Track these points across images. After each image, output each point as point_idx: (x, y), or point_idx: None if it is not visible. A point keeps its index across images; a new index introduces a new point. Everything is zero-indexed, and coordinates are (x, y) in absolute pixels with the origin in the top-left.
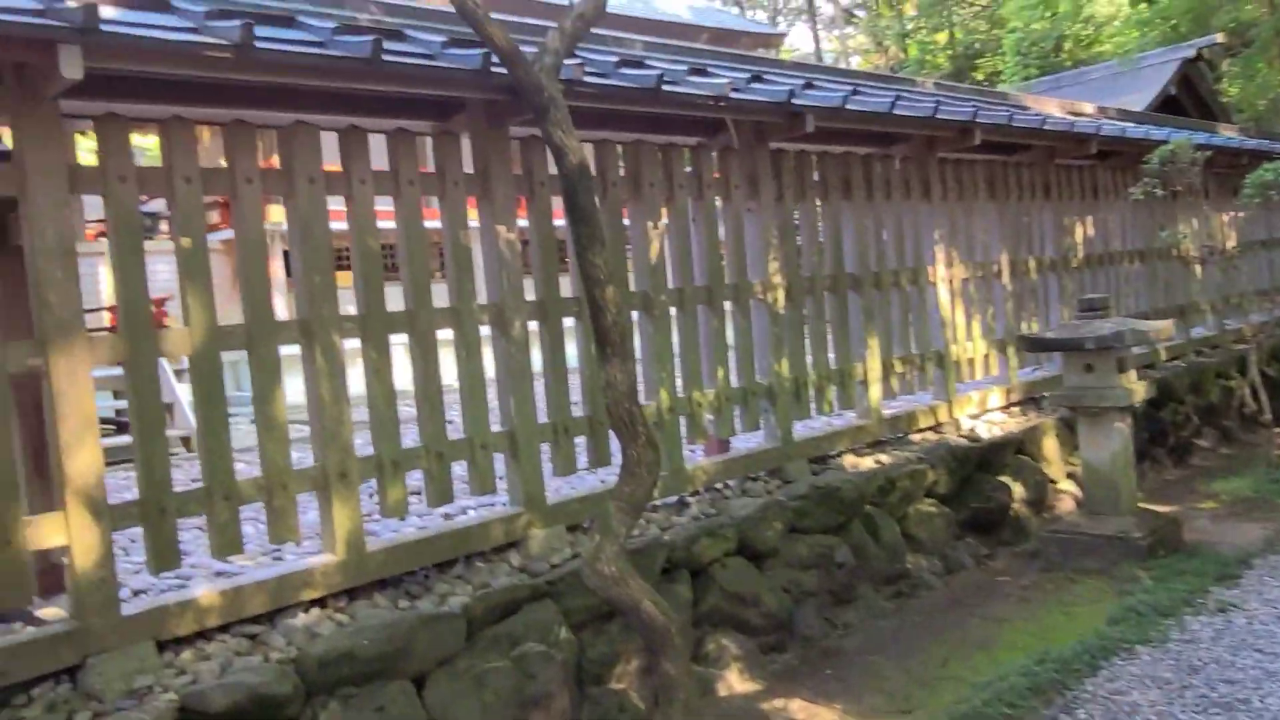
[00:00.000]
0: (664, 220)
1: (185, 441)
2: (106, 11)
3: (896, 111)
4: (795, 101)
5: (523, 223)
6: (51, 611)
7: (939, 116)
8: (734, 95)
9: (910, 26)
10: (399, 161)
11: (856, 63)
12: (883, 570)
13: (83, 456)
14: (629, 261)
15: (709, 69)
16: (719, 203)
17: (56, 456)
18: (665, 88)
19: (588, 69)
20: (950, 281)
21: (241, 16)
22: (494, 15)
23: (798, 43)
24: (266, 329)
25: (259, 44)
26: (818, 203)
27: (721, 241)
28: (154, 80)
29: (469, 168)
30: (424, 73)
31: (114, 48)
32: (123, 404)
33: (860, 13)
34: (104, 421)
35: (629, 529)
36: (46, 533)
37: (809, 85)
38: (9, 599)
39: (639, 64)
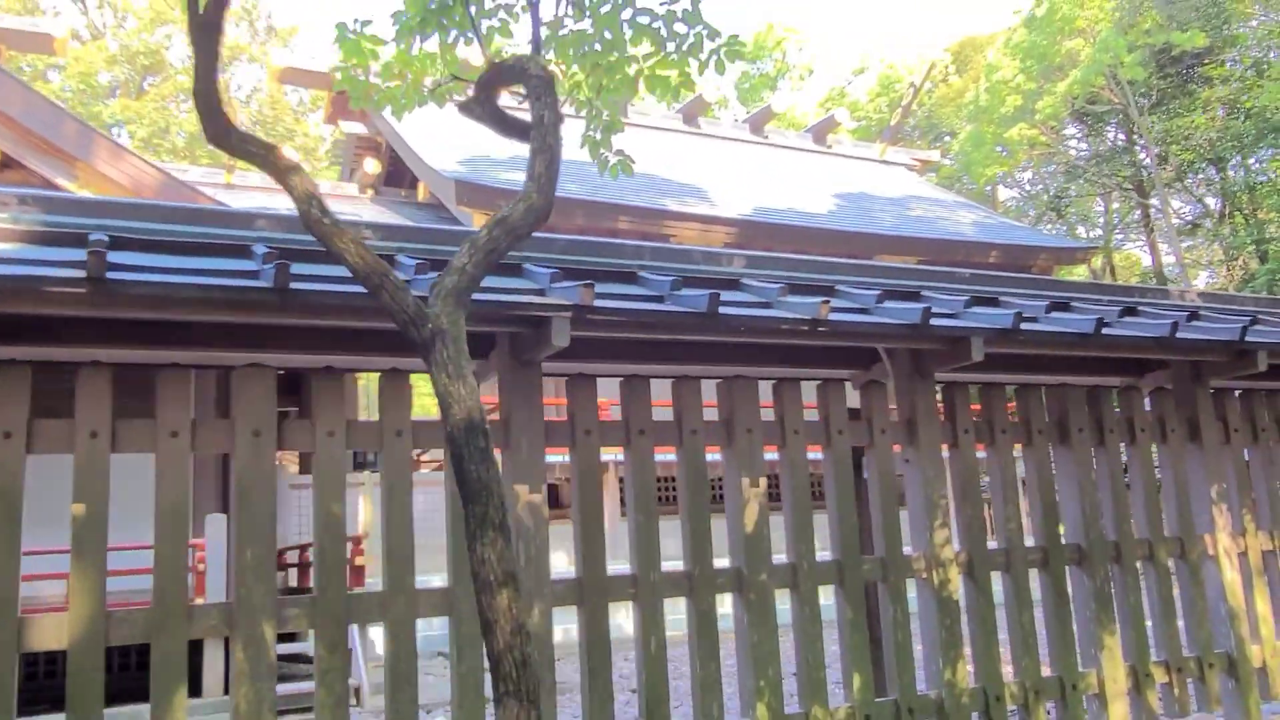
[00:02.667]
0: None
1: (356, 692)
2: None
3: (1110, 333)
4: (862, 319)
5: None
6: None
7: (1182, 336)
8: (835, 318)
9: (1271, 233)
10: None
11: (1203, 278)
12: None
13: None
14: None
15: (839, 287)
16: (858, 449)
17: None
18: (725, 310)
19: (624, 293)
20: (1242, 555)
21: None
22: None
23: (1141, 256)
24: (252, 610)
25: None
26: (1016, 449)
27: (867, 501)
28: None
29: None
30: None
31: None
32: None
33: (1209, 222)
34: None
35: None
36: None
37: (988, 300)
38: None
39: (734, 284)
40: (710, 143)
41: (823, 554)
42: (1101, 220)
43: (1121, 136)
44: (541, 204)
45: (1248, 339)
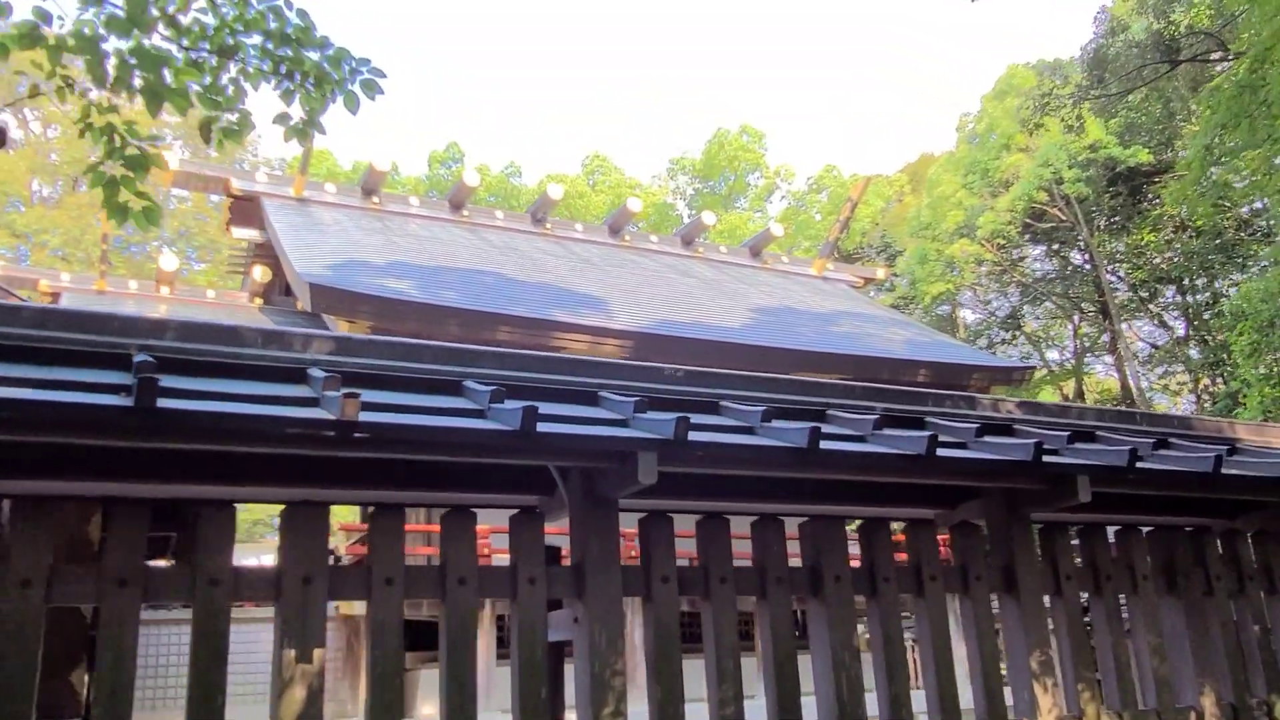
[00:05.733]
0: None
1: None
2: None
3: (836, 448)
4: (413, 421)
5: None
6: None
7: (945, 455)
8: (371, 419)
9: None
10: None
11: (1182, 402)
12: None
13: None
14: None
15: (468, 384)
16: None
17: None
18: (166, 404)
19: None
20: None
21: None
22: None
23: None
24: None
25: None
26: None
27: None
28: None
29: None
30: None
31: None
32: None
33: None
34: None
35: None
36: None
37: (706, 405)
38: None
39: (300, 376)
40: (633, 255)
41: None
42: (1070, 343)
43: (1080, 257)
44: None
45: (1049, 459)
